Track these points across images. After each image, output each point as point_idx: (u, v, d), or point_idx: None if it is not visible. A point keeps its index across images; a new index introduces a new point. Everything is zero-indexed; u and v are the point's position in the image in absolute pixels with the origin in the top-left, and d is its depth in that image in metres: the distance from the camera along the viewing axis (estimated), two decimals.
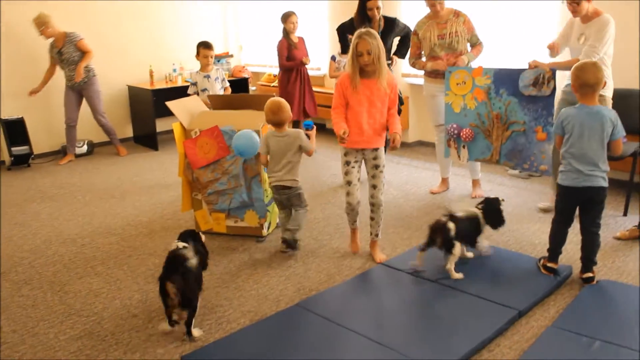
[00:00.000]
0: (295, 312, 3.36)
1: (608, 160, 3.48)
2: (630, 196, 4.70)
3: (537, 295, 3.42)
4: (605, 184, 3.45)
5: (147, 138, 7.62)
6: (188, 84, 7.62)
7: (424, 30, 4.98)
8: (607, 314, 3.24)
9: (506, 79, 4.55)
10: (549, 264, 3.66)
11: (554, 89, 4.35)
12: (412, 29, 5.45)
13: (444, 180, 5.42)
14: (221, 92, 5.82)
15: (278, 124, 4.03)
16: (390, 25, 5.41)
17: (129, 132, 7.95)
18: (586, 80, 3.39)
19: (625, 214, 4.66)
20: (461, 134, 4.75)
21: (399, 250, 4.19)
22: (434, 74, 5.03)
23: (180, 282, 3.05)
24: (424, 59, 5.09)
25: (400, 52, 5.57)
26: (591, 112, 3.41)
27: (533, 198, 5.14)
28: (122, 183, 6.07)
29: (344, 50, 5.63)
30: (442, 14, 4.94)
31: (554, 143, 3.92)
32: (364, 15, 5.27)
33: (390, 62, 5.39)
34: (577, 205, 3.57)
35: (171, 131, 7.82)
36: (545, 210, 4.73)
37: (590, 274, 3.57)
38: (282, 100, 4.05)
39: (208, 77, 5.79)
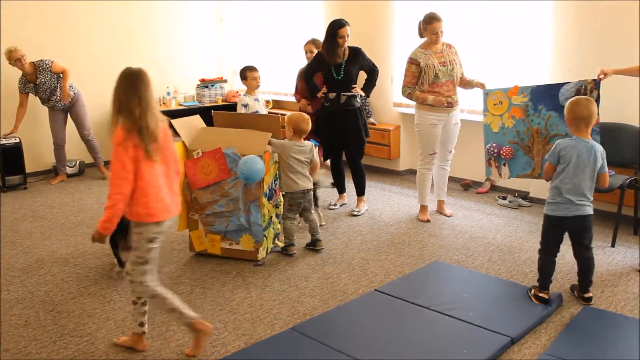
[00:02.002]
0: (290, 335, 3.38)
1: (597, 192, 3.67)
2: (618, 228, 4.79)
3: (529, 323, 3.47)
4: (592, 211, 3.62)
5: None
6: (182, 107, 7.75)
7: (424, 59, 5.09)
8: (598, 342, 3.30)
9: (544, 95, 4.64)
10: (541, 294, 3.71)
11: (598, 97, 4.41)
12: (378, 67, 5.56)
13: (425, 208, 5.49)
14: None
15: (303, 133, 4.58)
16: (354, 55, 5.45)
17: None
18: (579, 114, 3.53)
19: (613, 245, 4.75)
20: (501, 152, 4.83)
21: (391, 277, 4.22)
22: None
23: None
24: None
25: (367, 90, 5.58)
26: (587, 145, 3.56)
27: (522, 228, 5.21)
28: None
29: (313, 93, 5.70)
30: (437, 44, 5.10)
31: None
32: (333, 43, 5.34)
33: (354, 87, 5.45)
34: (564, 234, 3.71)
35: None
36: None
37: (590, 294, 3.74)
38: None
39: (257, 99, 5.72)
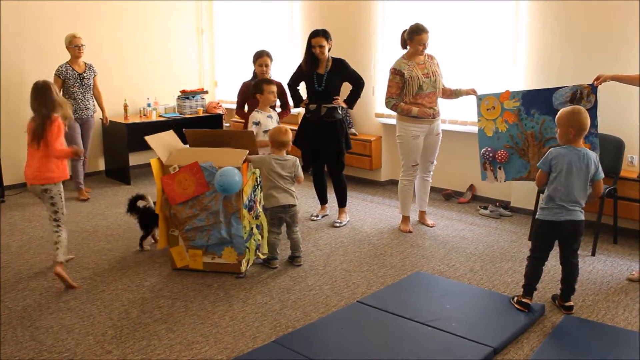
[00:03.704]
0: (272, 349, 3.36)
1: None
2: (598, 237, 4.84)
3: (511, 333, 3.47)
4: (583, 217, 3.69)
5: (119, 172, 7.57)
6: (163, 118, 7.70)
7: (408, 70, 5.10)
8: (580, 351, 3.31)
9: (536, 99, 4.70)
10: (524, 299, 3.74)
11: (596, 102, 4.48)
12: (364, 79, 5.57)
13: (407, 218, 5.50)
14: None
15: (282, 146, 4.52)
16: (337, 67, 5.45)
17: (100, 165, 7.89)
18: (579, 122, 3.61)
19: (593, 254, 4.79)
20: (496, 155, 4.87)
21: (373, 288, 4.21)
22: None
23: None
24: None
25: (350, 103, 5.54)
26: (579, 153, 3.63)
27: (504, 237, 5.24)
28: (94, 217, 6.01)
29: (297, 103, 5.69)
30: (420, 55, 5.12)
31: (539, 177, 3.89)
32: (308, 52, 5.38)
33: (335, 99, 5.43)
34: (556, 241, 3.76)
35: (143, 165, 7.87)
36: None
37: (571, 303, 3.79)
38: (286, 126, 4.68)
39: (271, 116, 5.21)
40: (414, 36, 5.07)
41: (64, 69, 6.53)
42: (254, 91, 5.23)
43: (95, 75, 6.76)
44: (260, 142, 4.92)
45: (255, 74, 5.70)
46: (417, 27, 5.07)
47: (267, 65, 5.60)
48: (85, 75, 6.63)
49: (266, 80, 5.26)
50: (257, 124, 5.10)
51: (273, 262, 4.58)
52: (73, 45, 6.50)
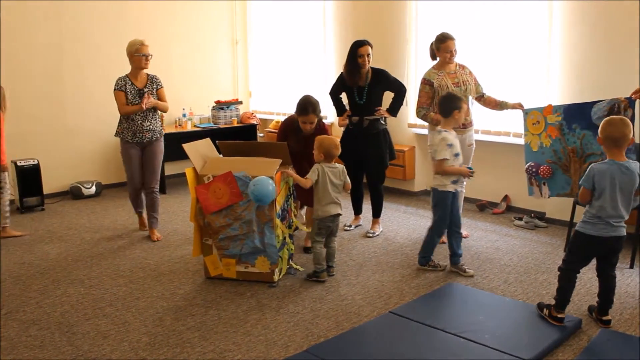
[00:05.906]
0: (304, 358, 3.36)
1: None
2: (636, 249, 4.74)
3: (546, 346, 3.42)
4: (625, 231, 3.60)
5: None
6: (198, 128, 7.80)
7: (438, 79, 5.11)
8: None
9: (577, 114, 4.64)
10: (559, 315, 3.67)
11: (633, 116, 4.38)
12: (405, 85, 5.55)
13: None
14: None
15: (332, 158, 4.52)
16: (378, 78, 5.42)
17: None
18: (610, 134, 3.47)
19: (632, 267, 4.69)
20: (539, 171, 4.82)
21: (406, 298, 4.20)
22: None
23: None
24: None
25: (393, 111, 5.50)
26: (622, 167, 3.48)
27: (539, 249, 5.17)
28: (130, 225, 6.10)
29: (340, 112, 5.66)
30: (451, 65, 5.11)
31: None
32: (353, 64, 5.33)
33: (377, 110, 5.42)
34: (594, 255, 3.68)
35: (179, 175, 7.97)
36: None
37: (609, 317, 3.72)
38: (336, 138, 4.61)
39: (456, 137, 4.67)
40: (440, 44, 5.11)
41: (123, 83, 5.52)
42: (449, 108, 4.54)
43: (159, 89, 5.67)
44: (451, 169, 4.55)
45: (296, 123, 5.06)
46: (443, 35, 5.11)
47: (311, 123, 4.92)
48: (146, 91, 5.55)
49: (458, 97, 4.67)
50: (451, 145, 4.53)
51: (323, 275, 4.52)
52: (140, 54, 5.49)
